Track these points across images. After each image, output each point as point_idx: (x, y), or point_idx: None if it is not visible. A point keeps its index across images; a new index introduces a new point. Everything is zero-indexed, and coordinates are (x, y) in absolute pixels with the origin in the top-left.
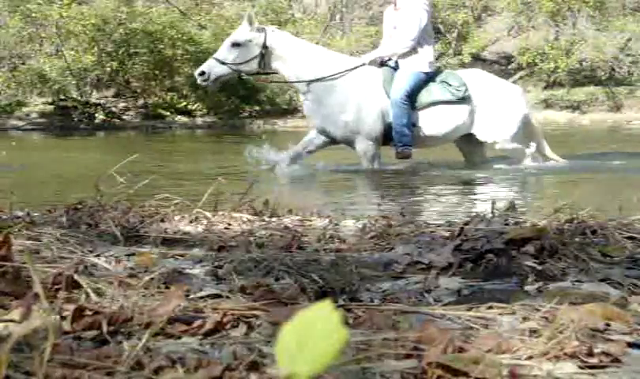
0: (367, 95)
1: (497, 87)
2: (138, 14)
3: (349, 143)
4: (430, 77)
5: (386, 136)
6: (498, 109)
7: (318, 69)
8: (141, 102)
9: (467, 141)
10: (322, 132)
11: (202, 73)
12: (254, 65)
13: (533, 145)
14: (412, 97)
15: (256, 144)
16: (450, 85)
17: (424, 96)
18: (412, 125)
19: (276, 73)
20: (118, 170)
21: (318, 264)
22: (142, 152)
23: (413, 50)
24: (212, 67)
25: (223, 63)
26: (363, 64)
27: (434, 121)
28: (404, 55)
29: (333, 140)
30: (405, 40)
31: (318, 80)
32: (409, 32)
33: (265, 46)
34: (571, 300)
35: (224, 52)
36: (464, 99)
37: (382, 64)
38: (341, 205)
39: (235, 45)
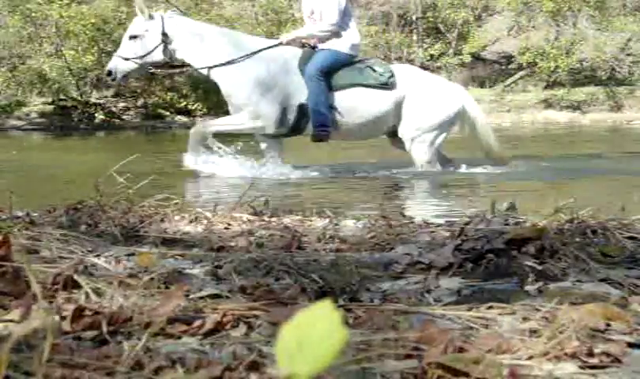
0: (276, 76)
1: (426, 82)
2: None
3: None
4: (353, 60)
5: (301, 124)
6: (419, 104)
7: (224, 53)
8: (140, 102)
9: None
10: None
11: (110, 73)
12: (158, 56)
13: (463, 166)
14: (329, 76)
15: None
16: (375, 71)
17: (343, 77)
18: (330, 107)
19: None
20: (118, 170)
21: (318, 264)
22: (142, 152)
23: (336, 35)
24: (117, 65)
25: (126, 59)
26: (281, 43)
27: (353, 105)
28: (326, 39)
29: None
30: (325, 25)
31: (223, 64)
32: (329, 17)
33: (164, 34)
34: (571, 300)
35: (124, 47)
36: (387, 86)
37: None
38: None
39: (133, 38)
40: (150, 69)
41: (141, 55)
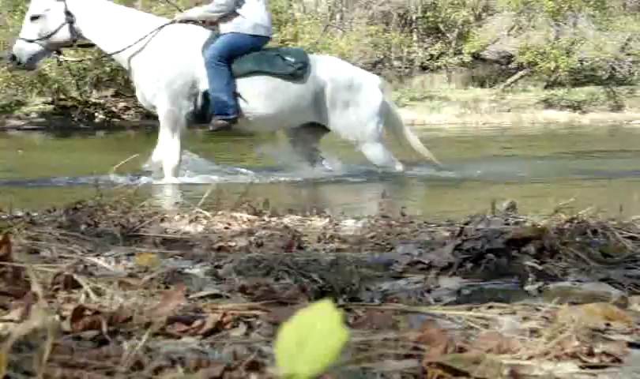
0: (176, 59)
1: (349, 74)
2: None
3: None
4: (260, 42)
5: (207, 112)
6: (346, 101)
7: (125, 35)
8: None
9: (301, 133)
10: (147, 107)
11: (14, 57)
12: (64, 36)
13: (400, 168)
14: (230, 60)
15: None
16: (284, 59)
17: (246, 62)
18: (235, 94)
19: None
20: (118, 169)
21: (318, 264)
22: (142, 152)
23: (233, 14)
24: (21, 48)
25: (30, 41)
26: (173, 22)
27: (259, 94)
28: (225, 19)
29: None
30: (214, 5)
31: (124, 49)
32: None
33: (68, 13)
34: (572, 300)
35: (27, 29)
36: (296, 77)
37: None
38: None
39: (35, 18)
40: (59, 49)
41: (45, 36)
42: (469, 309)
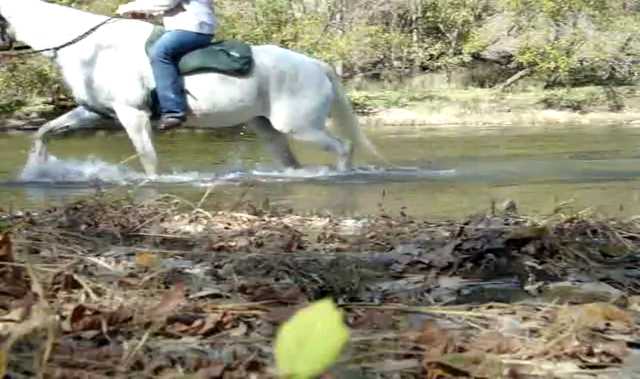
0: (121, 55)
1: (293, 64)
2: None
3: (113, 112)
4: (204, 40)
5: (157, 110)
6: (292, 91)
7: (62, 32)
8: None
9: (267, 131)
10: (83, 104)
11: None
12: None
13: (347, 145)
14: (176, 58)
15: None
16: (229, 55)
17: (192, 59)
18: (181, 91)
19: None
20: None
21: (318, 264)
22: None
23: (180, 8)
24: None
25: None
26: (118, 15)
27: (205, 91)
28: (171, 13)
29: (103, 114)
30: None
31: (64, 45)
32: None
33: (0, 17)
34: (571, 300)
35: None
36: (242, 72)
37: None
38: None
39: None
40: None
41: None
42: (469, 309)
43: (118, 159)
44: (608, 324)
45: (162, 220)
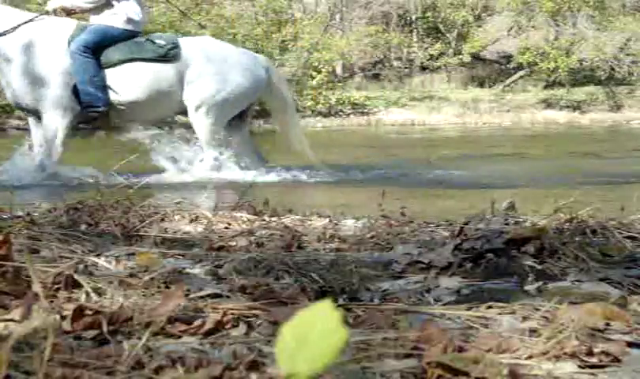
0: (45, 53)
1: (216, 51)
2: None
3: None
4: (130, 36)
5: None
6: (212, 74)
7: None
8: None
9: (234, 129)
10: (18, 106)
11: None
12: None
13: (223, 156)
14: (98, 52)
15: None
16: (154, 43)
17: (117, 52)
18: (104, 86)
19: None
20: (119, 169)
21: (318, 263)
22: (142, 152)
23: (108, 5)
24: None
25: None
26: (47, 12)
27: (128, 82)
28: (98, 10)
29: (35, 115)
30: None
31: None
32: None
33: None
34: (571, 300)
35: None
36: (166, 58)
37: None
38: None
39: None
40: None
41: None
42: (469, 309)
43: (119, 159)
44: (607, 324)
45: (162, 220)
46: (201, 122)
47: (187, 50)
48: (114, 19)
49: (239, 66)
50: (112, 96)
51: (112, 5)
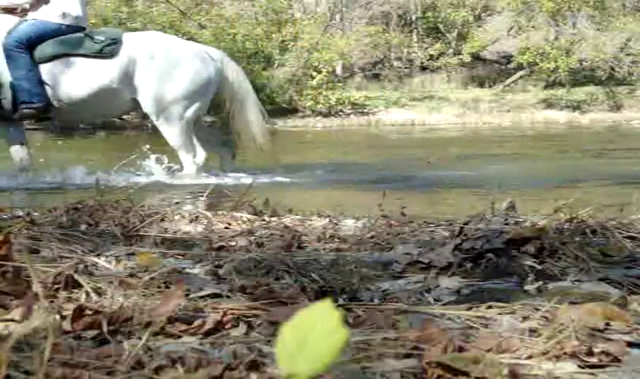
0: None
1: (165, 46)
2: (138, 14)
3: None
4: (67, 31)
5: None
6: (161, 73)
7: None
8: None
9: (200, 129)
10: None
11: None
12: None
13: (201, 158)
14: (32, 47)
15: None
16: (92, 39)
17: (51, 47)
18: (39, 82)
19: None
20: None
21: (318, 263)
22: (142, 152)
23: (43, 2)
24: None
25: None
26: None
27: (63, 78)
28: (36, 7)
29: None
30: None
31: None
32: None
33: None
34: (571, 299)
35: None
36: (103, 54)
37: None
38: None
39: None
40: None
41: None
42: (469, 309)
43: (118, 159)
44: (607, 324)
45: (162, 220)
46: (165, 129)
47: (130, 47)
48: (49, 14)
49: (188, 62)
50: (49, 92)
51: (48, 1)
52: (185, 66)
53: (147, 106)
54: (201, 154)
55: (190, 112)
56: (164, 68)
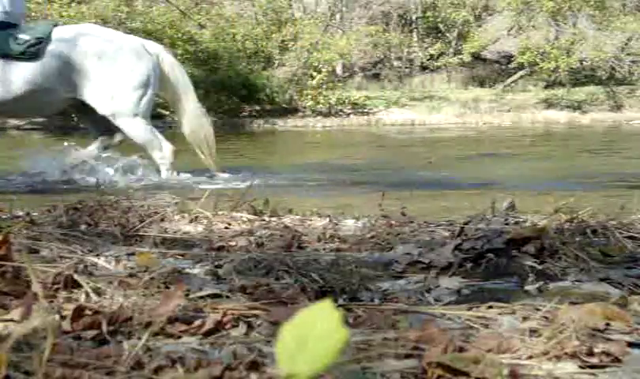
0: None
1: (101, 42)
2: (138, 14)
3: None
4: None
5: None
6: (101, 71)
7: None
8: None
9: (93, 121)
10: None
11: None
12: None
13: (168, 149)
14: None
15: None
16: (16, 38)
17: None
18: None
19: None
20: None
21: (318, 263)
22: (142, 152)
23: None
24: None
25: None
26: None
27: None
28: None
29: None
30: None
31: None
32: None
33: None
34: (571, 300)
35: None
36: (30, 56)
37: None
38: None
39: None
40: None
41: None
42: (469, 309)
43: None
44: (607, 324)
45: (162, 220)
46: (124, 127)
47: (61, 45)
48: None
49: (123, 58)
50: None
51: None
52: (121, 62)
53: (95, 106)
54: (167, 146)
55: (141, 107)
56: (101, 65)
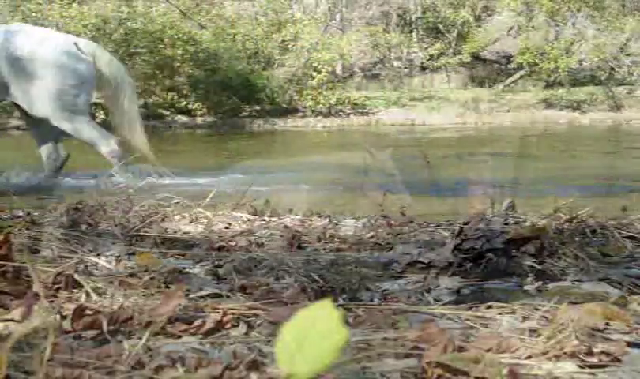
0: None
1: (31, 43)
2: (139, 14)
3: None
4: None
5: None
6: (31, 72)
7: None
8: (141, 101)
9: (36, 126)
10: None
11: None
12: None
13: (113, 142)
14: None
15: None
16: None
17: None
18: None
19: None
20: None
21: (318, 263)
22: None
23: None
24: None
25: None
26: None
27: None
28: None
29: None
30: None
31: None
32: None
33: None
34: (571, 299)
35: None
36: None
37: None
38: None
39: None
40: None
41: None
42: (469, 309)
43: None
44: (607, 324)
45: (162, 220)
46: (66, 128)
47: None
48: None
49: (56, 58)
50: None
51: None
52: (54, 62)
53: (28, 108)
54: (114, 140)
55: (78, 105)
56: (32, 67)
